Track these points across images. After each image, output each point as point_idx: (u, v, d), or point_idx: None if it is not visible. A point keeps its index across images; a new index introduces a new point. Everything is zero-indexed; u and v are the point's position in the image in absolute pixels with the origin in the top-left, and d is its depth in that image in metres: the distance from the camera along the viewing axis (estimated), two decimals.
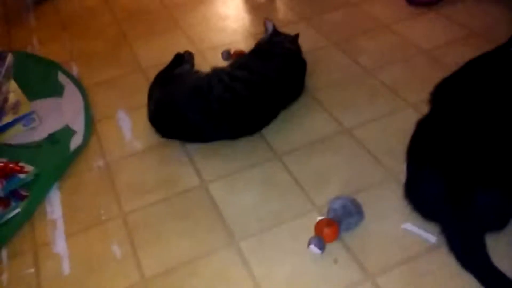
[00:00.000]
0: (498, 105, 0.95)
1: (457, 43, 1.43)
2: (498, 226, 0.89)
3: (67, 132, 1.28)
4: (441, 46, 1.43)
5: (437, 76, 1.11)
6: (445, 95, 1.04)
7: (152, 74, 1.42)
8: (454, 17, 1.55)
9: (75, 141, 1.25)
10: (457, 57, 1.35)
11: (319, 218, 0.97)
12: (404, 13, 1.60)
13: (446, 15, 1.56)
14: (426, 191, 0.91)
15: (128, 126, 1.29)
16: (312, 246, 0.92)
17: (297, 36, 1.39)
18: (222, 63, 1.36)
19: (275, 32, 1.38)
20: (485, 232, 0.87)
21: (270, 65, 1.26)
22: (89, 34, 1.74)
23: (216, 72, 1.24)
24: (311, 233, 0.95)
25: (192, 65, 1.41)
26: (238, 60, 1.33)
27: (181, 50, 1.52)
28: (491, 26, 1.48)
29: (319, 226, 0.95)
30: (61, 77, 1.49)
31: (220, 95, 1.17)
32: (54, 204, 1.11)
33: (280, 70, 1.25)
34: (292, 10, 1.70)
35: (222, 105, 1.16)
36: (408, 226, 0.96)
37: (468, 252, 0.86)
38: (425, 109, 1.07)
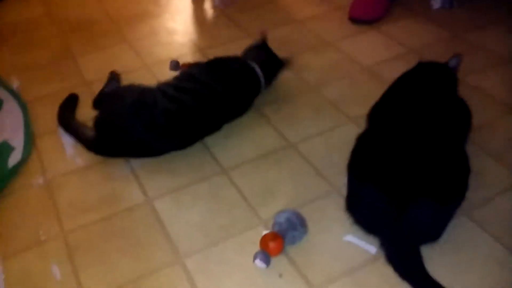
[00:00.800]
0: (429, 120, 1.00)
1: (397, 60, 1.49)
2: (431, 237, 0.93)
3: (5, 148, 1.23)
4: (382, 62, 1.49)
5: (378, 91, 1.16)
6: (380, 112, 1.09)
7: (97, 88, 1.39)
8: (394, 35, 1.62)
9: (14, 158, 1.21)
10: (397, 73, 1.41)
11: (264, 232, 0.98)
12: (346, 31, 1.66)
13: (387, 33, 1.63)
14: (365, 205, 0.94)
15: (70, 141, 1.25)
16: (257, 261, 0.93)
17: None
18: (170, 76, 1.35)
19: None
20: (421, 243, 0.91)
21: (221, 78, 1.25)
22: (31, 46, 1.68)
23: (160, 87, 1.22)
24: (258, 247, 0.96)
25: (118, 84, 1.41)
26: (186, 70, 1.32)
27: (128, 63, 1.51)
28: (429, 44, 1.55)
29: (264, 240, 0.95)
30: (0, 91, 1.44)
31: (165, 107, 1.16)
32: None
33: (231, 85, 1.25)
34: (239, 26, 1.72)
35: (167, 117, 1.15)
36: (350, 237, 0.98)
37: (405, 263, 0.89)
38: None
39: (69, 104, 1.35)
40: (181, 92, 1.19)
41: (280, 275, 0.93)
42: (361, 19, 1.68)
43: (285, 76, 1.39)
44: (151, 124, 1.15)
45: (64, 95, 1.37)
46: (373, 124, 1.08)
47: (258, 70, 1.30)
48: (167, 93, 1.19)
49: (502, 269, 0.91)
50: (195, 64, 1.38)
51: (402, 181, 0.90)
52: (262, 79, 1.31)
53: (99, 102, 1.30)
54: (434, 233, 0.93)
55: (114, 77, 1.42)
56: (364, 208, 0.95)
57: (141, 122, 1.14)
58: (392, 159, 0.93)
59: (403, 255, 0.89)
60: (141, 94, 1.20)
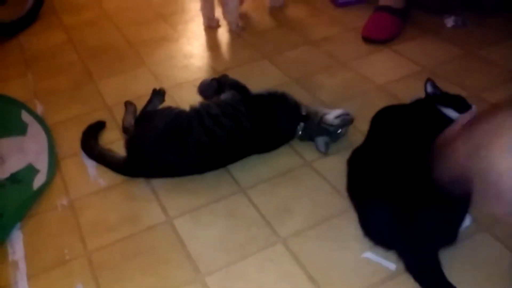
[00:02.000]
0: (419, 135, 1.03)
1: (410, 78, 1.51)
2: (447, 240, 0.94)
3: (30, 171, 1.27)
4: (395, 81, 1.50)
5: None
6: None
7: (118, 111, 1.44)
8: (407, 53, 1.64)
9: (39, 180, 1.24)
10: (410, 91, 1.43)
11: None
12: (360, 51, 1.68)
13: (400, 52, 1.65)
14: (375, 221, 0.97)
15: (93, 163, 1.29)
16: None
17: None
18: (188, 99, 1.38)
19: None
20: (437, 247, 0.92)
21: (259, 121, 1.23)
22: (54, 72, 1.74)
23: (198, 112, 1.22)
24: (277, 265, 0.97)
25: (162, 101, 1.37)
26: (235, 100, 1.25)
27: (146, 87, 1.55)
28: (442, 62, 1.57)
29: None
30: (25, 116, 1.49)
31: (199, 138, 1.17)
32: (16, 245, 1.09)
33: (266, 132, 1.24)
34: (255, 48, 1.76)
35: (198, 150, 1.18)
36: (369, 254, 0.99)
37: (423, 270, 0.90)
38: None
39: (93, 131, 1.37)
40: (218, 126, 1.19)
41: None
42: (374, 39, 1.71)
43: (300, 96, 1.41)
44: (182, 152, 1.17)
45: (86, 119, 1.42)
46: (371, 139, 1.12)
47: (301, 124, 1.27)
48: (204, 122, 1.19)
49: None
50: (241, 94, 1.30)
51: (405, 191, 0.93)
52: (299, 133, 1.28)
53: (138, 120, 1.30)
54: (447, 236, 0.94)
55: (158, 93, 1.37)
56: (376, 225, 0.97)
57: (172, 148, 1.17)
58: (389, 174, 0.97)
59: (421, 263, 0.90)
60: (175, 118, 1.21)
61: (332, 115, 1.25)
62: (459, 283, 0.89)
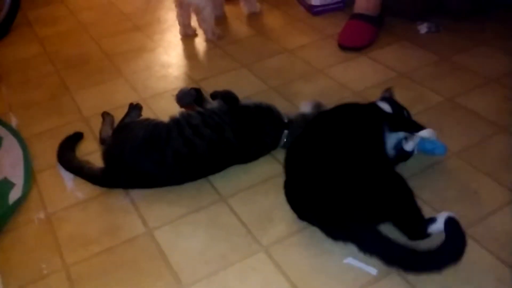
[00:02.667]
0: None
1: (386, 84, 1.52)
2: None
3: (5, 185, 1.25)
4: (371, 87, 1.52)
5: None
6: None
7: (95, 123, 1.42)
8: (382, 60, 1.66)
9: (14, 194, 1.22)
10: None
11: None
12: (336, 58, 1.70)
13: (375, 58, 1.68)
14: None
15: (70, 176, 1.27)
16: None
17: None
18: (166, 109, 1.38)
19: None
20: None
21: (243, 132, 1.22)
22: (29, 84, 1.72)
23: (178, 121, 1.21)
24: (259, 273, 0.97)
25: (139, 115, 1.38)
26: (213, 112, 1.24)
27: (124, 98, 1.54)
28: (416, 68, 1.60)
29: None
30: None
31: (177, 148, 1.17)
32: None
33: (250, 144, 1.24)
34: (233, 57, 1.76)
35: (177, 160, 1.17)
36: (350, 260, 0.99)
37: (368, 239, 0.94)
38: None
39: (70, 143, 1.36)
40: (198, 137, 1.18)
41: None
42: (350, 46, 1.73)
43: (279, 104, 1.42)
44: (160, 162, 1.16)
45: (62, 131, 1.40)
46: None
47: (285, 132, 1.28)
48: (183, 132, 1.18)
49: (500, 285, 0.93)
50: (233, 106, 1.28)
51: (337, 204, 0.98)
52: (283, 141, 1.28)
53: (116, 131, 1.29)
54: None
55: (134, 107, 1.39)
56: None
57: (151, 158, 1.16)
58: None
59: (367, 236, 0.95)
60: (154, 128, 1.20)
61: (307, 107, 1.33)
62: (437, 285, 0.90)
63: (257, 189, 1.19)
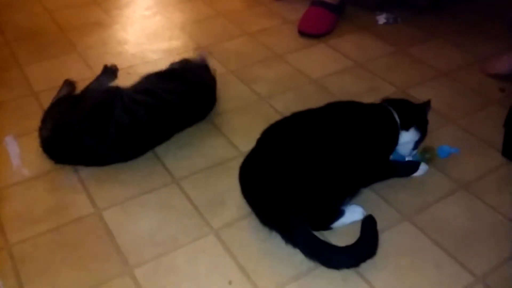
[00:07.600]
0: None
1: (343, 73, 1.55)
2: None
3: None
4: (329, 75, 1.54)
5: (325, 102, 1.20)
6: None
7: (45, 98, 1.37)
8: (341, 49, 1.68)
9: None
10: (343, 86, 1.47)
11: None
12: (296, 44, 1.71)
13: (334, 47, 1.69)
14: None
15: (16, 152, 1.22)
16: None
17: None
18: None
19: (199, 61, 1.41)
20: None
21: (176, 89, 1.26)
22: None
23: (120, 91, 1.23)
24: (208, 256, 0.97)
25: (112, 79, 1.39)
26: (143, 81, 1.31)
27: (77, 74, 1.49)
28: (373, 58, 1.63)
29: None
30: None
31: (118, 118, 1.16)
32: None
33: (186, 97, 1.26)
34: (192, 39, 1.74)
35: (118, 130, 1.16)
36: None
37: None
38: None
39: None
40: (135, 103, 1.20)
41: (230, 282, 0.94)
42: (309, 33, 1.74)
43: (237, 88, 1.42)
44: (102, 134, 1.14)
45: (10, 106, 1.34)
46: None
47: (213, 85, 1.33)
48: (124, 101, 1.20)
49: (439, 271, 0.97)
50: (153, 74, 1.35)
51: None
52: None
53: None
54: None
55: (108, 70, 1.40)
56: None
57: (92, 130, 1.14)
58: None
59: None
60: (104, 95, 1.21)
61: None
62: (382, 272, 0.94)
63: (211, 172, 1.19)
